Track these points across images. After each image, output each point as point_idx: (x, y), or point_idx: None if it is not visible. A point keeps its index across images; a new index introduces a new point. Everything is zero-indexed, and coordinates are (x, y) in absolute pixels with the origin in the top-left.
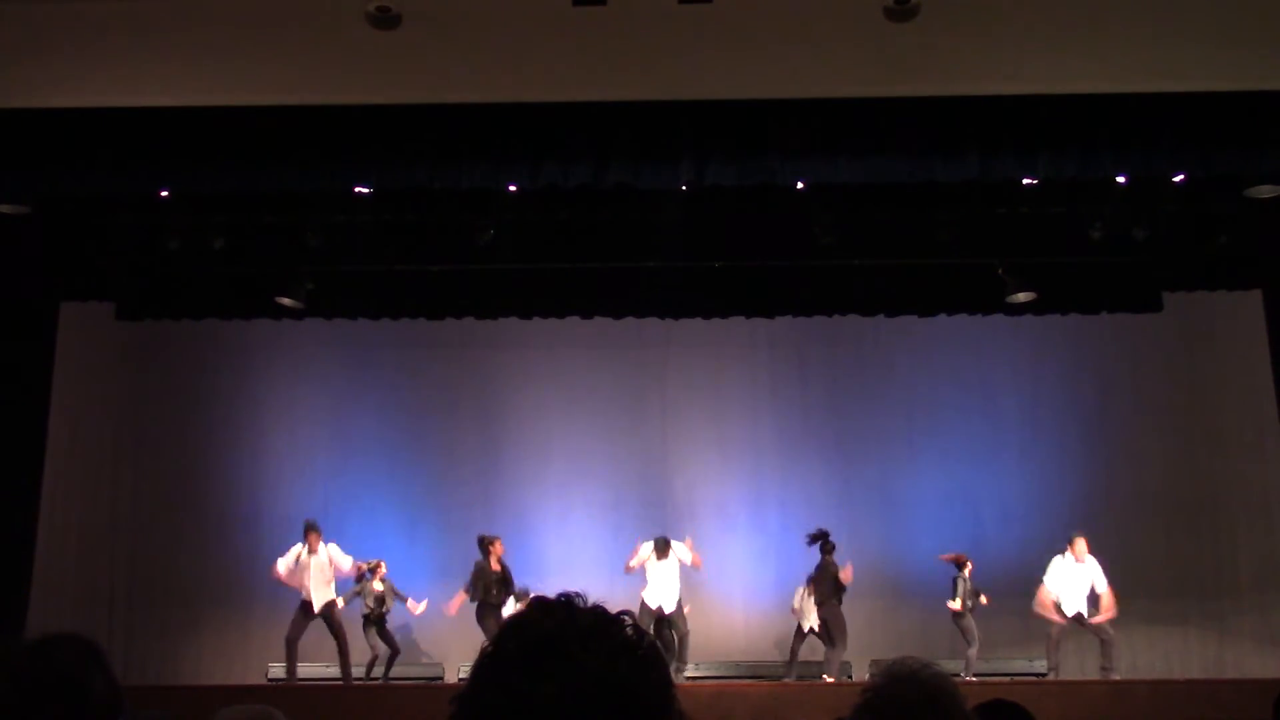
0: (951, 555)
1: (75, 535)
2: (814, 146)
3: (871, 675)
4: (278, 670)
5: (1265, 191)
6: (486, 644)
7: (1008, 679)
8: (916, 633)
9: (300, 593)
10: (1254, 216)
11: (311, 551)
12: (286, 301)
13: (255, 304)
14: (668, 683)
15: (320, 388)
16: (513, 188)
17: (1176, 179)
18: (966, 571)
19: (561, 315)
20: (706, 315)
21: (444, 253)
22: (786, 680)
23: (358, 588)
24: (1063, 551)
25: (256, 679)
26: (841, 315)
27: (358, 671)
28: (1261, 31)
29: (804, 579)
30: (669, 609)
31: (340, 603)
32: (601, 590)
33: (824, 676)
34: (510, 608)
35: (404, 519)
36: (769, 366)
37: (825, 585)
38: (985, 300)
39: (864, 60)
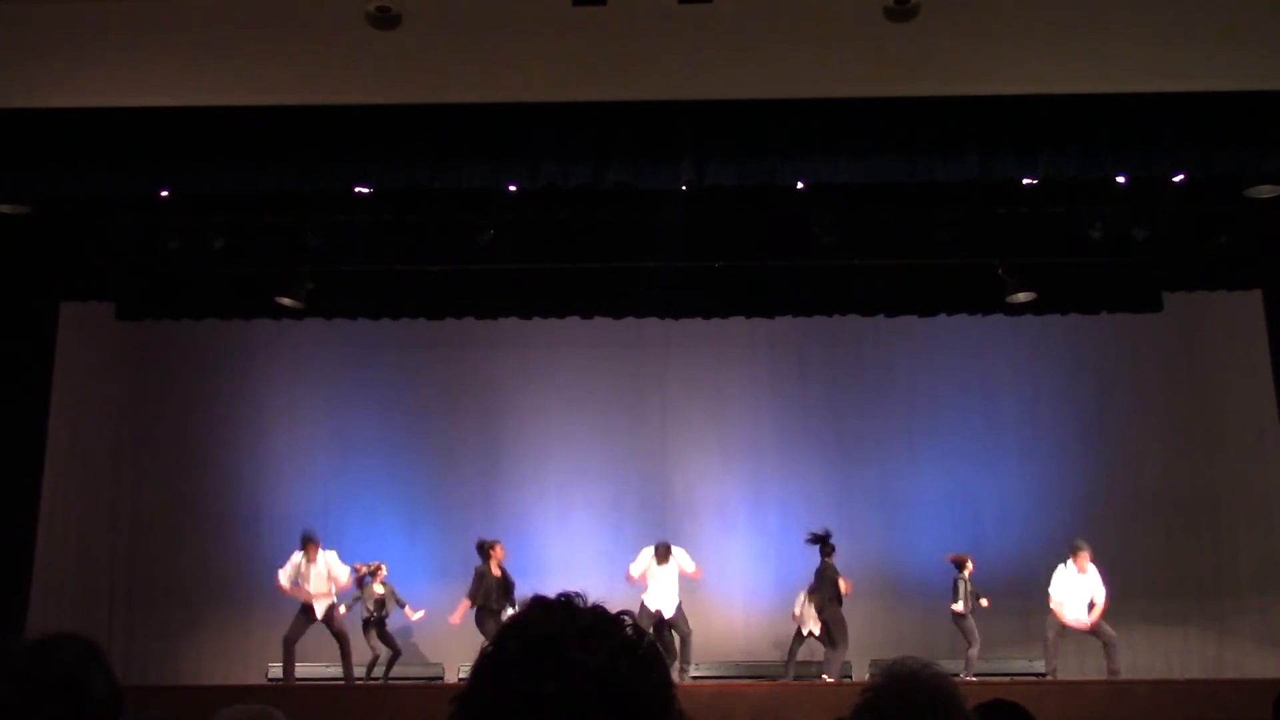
0: (954, 556)
1: (75, 535)
2: (814, 146)
3: (871, 675)
4: (278, 670)
5: (1265, 191)
6: (486, 644)
7: (1008, 679)
8: (916, 633)
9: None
10: (1254, 216)
11: (310, 561)
12: (286, 301)
13: (255, 304)
14: (668, 683)
15: (320, 388)
16: (513, 188)
17: (1176, 179)
18: (967, 572)
19: (561, 315)
20: (706, 315)
21: (444, 253)
22: (785, 680)
23: (358, 592)
24: (1065, 561)
25: (256, 679)
26: (841, 315)
27: (358, 672)
28: (1261, 31)
29: (803, 586)
30: (669, 613)
31: (342, 609)
32: (601, 590)
33: (824, 676)
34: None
35: (404, 519)
36: (769, 366)
37: (825, 590)
38: (985, 300)
39: (864, 60)
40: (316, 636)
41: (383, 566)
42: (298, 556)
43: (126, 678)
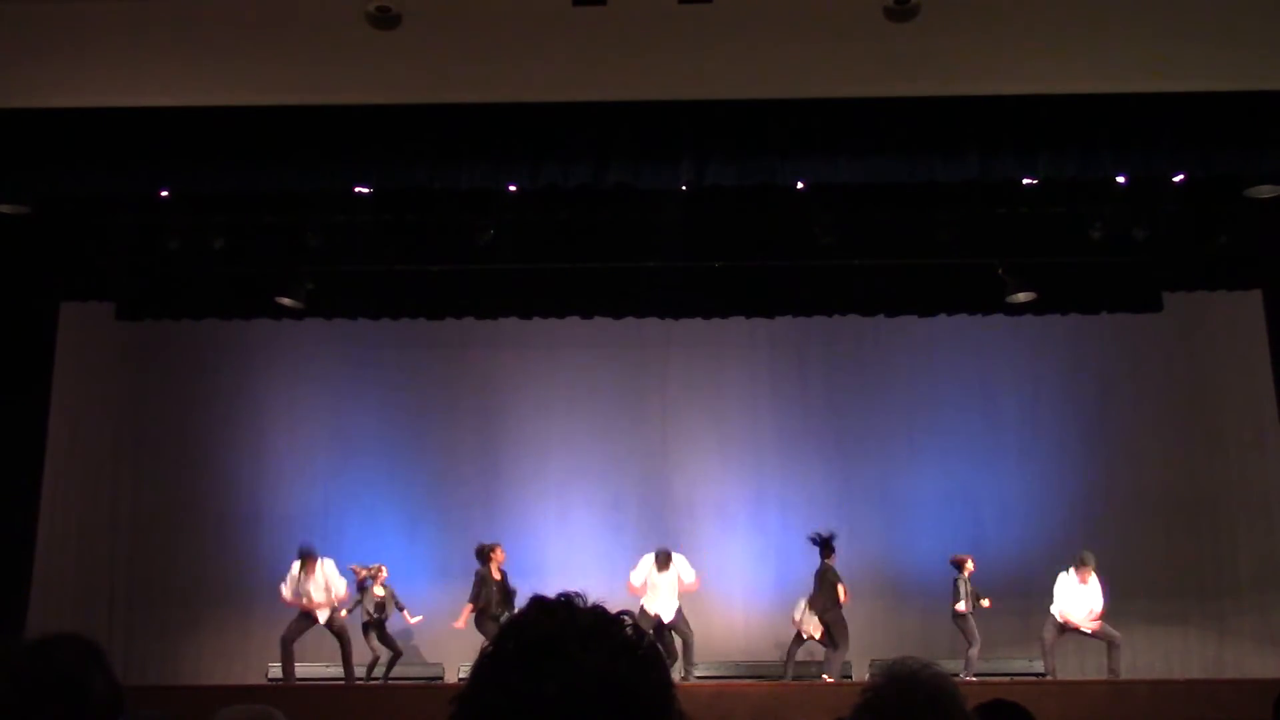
0: (954, 557)
1: (75, 535)
2: (814, 146)
3: (871, 675)
4: (278, 670)
5: (1265, 191)
6: (486, 644)
7: (1008, 679)
8: (916, 633)
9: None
10: (1254, 216)
11: (309, 574)
12: (286, 301)
13: (255, 304)
14: (668, 683)
15: (320, 388)
16: (513, 188)
17: (1176, 179)
18: (967, 572)
19: (561, 315)
20: (706, 315)
21: (444, 253)
22: (785, 680)
23: (359, 596)
24: (1068, 569)
25: (256, 679)
26: (841, 315)
27: (359, 672)
28: (1261, 31)
29: (803, 589)
30: (668, 618)
31: (343, 612)
32: (601, 590)
33: (824, 676)
34: None
35: (404, 519)
36: (769, 366)
37: (825, 592)
38: (985, 300)
39: (864, 60)
40: (316, 636)
41: (383, 569)
42: (296, 569)
43: (126, 678)
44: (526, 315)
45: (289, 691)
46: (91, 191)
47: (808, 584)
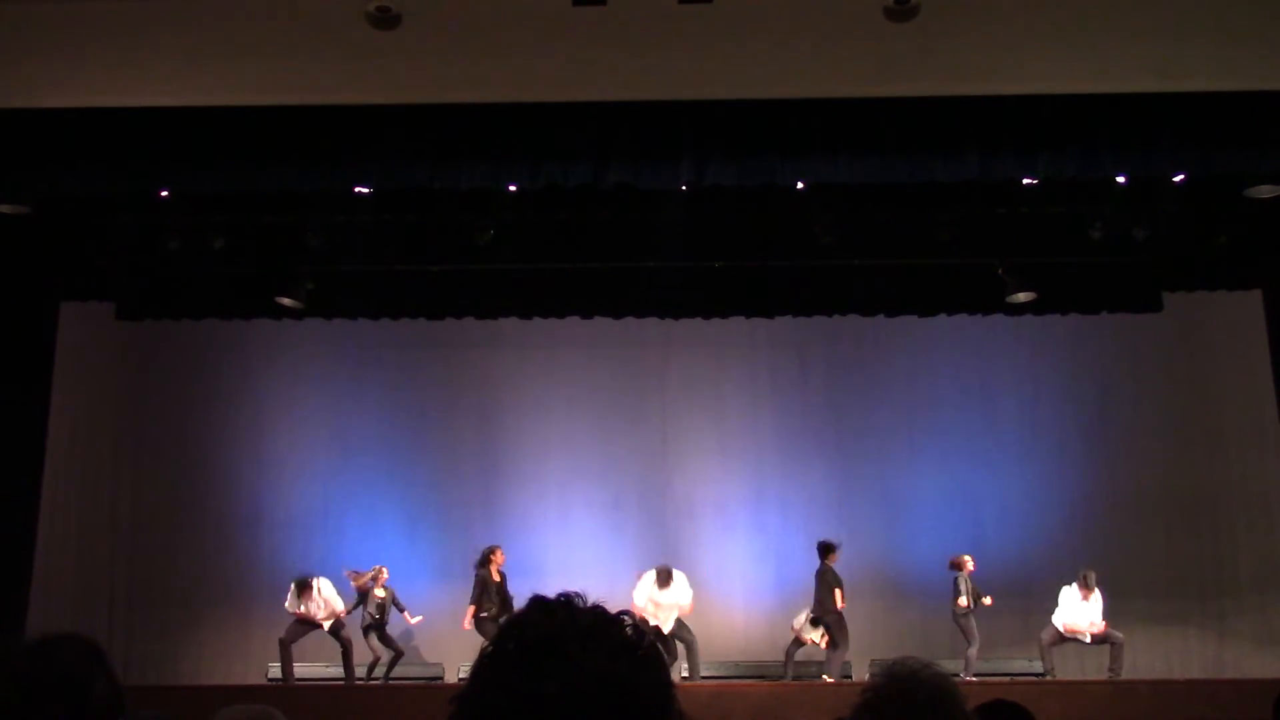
0: (952, 559)
1: (75, 535)
2: (814, 146)
3: (871, 675)
4: (278, 670)
5: (1265, 191)
6: (486, 644)
7: (1008, 679)
8: (916, 633)
9: None
10: (1254, 216)
11: (308, 599)
12: (286, 301)
13: (255, 304)
14: (667, 683)
15: (320, 388)
16: (513, 188)
17: (1176, 179)
18: (967, 571)
19: (561, 315)
20: (706, 315)
21: (444, 253)
22: (785, 680)
23: (359, 598)
24: (1071, 584)
25: (256, 679)
26: (841, 315)
27: (359, 673)
28: (1261, 31)
29: (804, 597)
30: (668, 629)
31: (344, 615)
32: (601, 590)
33: (824, 676)
34: None
35: (404, 519)
36: (769, 366)
37: (823, 594)
38: (985, 300)
39: (864, 60)
40: (317, 636)
41: (383, 570)
42: (292, 596)
43: (126, 678)
44: (526, 315)
45: (289, 691)
46: (91, 191)
47: (808, 585)
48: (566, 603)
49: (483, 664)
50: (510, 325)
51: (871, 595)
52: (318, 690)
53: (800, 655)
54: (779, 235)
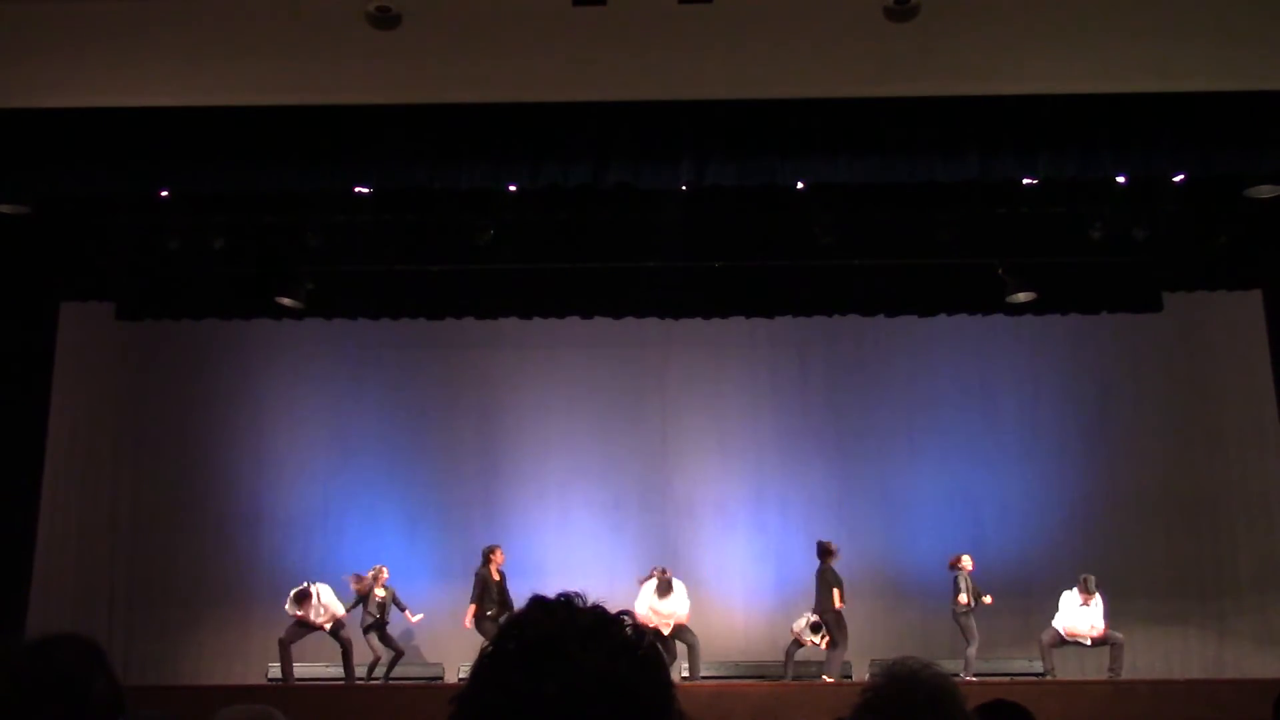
0: (951, 560)
1: (75, 535)
2: (814, 146)
3: (871, 675)
4: (278, 670)
5: (1265, 191)
6: (486, 644)
7: (1008, 679)
8: (916, 633)
9: None
10: (1254, 216)
11: (308, 606)
12: (286, 301)
13: (255, 304)
14: (668, 683)
15: (320, 388)
16: (513, 188)
17: (1176, 179)
18: (966, 569)
19: (561, 315)
20: (706, 315)
21: (444, 253)
22: (785, 680)
23: (360, 598)
24: (1071, 588)
25: (256, 679)
26: (841, 315)
27: (359, 672)
28: (1261, 31)
29: (805, 599)
30: (667, 632)
31: (344, 617)
32: (601, 590)
33: (824, 676)
34: None
35: (404, 519)
36: (769, 366)
37: (821, 594)
38: (985, 300)
39: (864, 60)
40: (317, 636)
41: (384, 569)
42: (291, 604)
43: (126, 678)
44: (526, 315)
45: (289, 691)
46: (91, 191)
47: (808, 585)
48: (566, 603)
49: (483, 664)
50: (510, 325)
51: (871, 595)
52: (318, 690)
53: (800, 655)
54: (779, 235)
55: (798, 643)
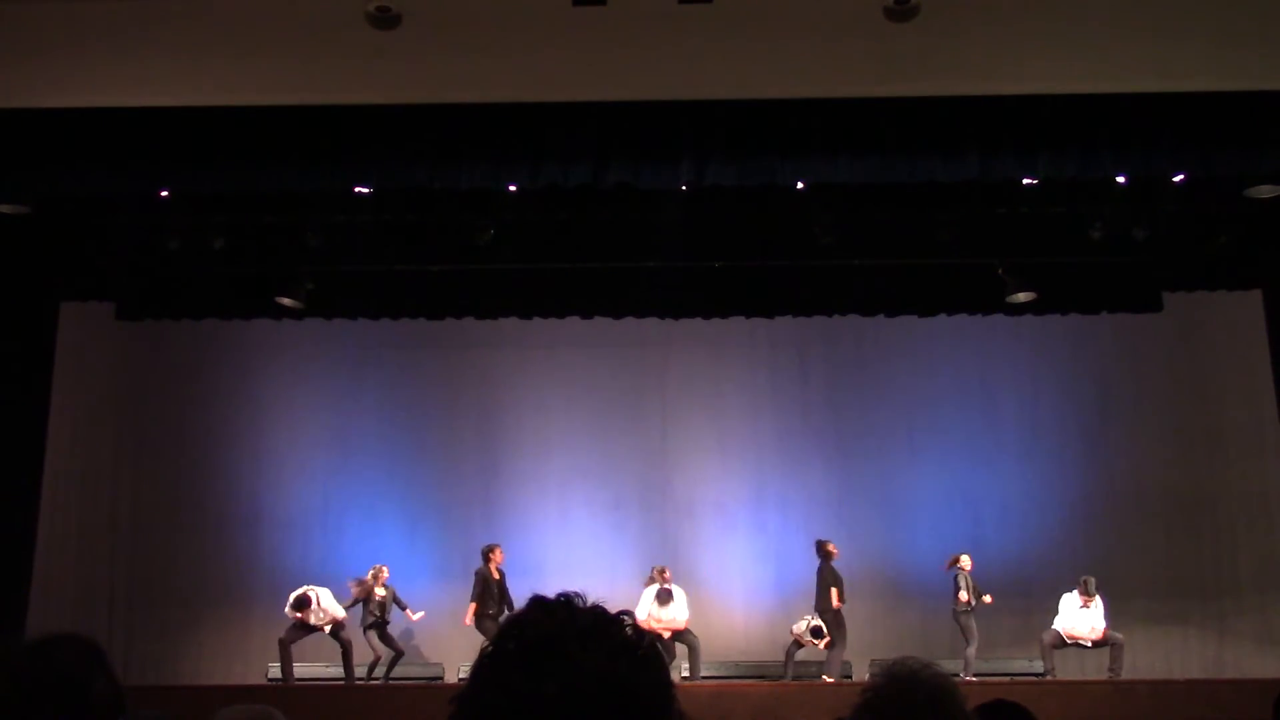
0: (950, 559)
1: (75, 535)
2: (814, 146)
3: (871, 675)
4: (278, 670)
5: (1265, 191)
6: (486, 644)
7: (1008, 679)
8: (916, 633)
9: None
10: (1254, 216)
11: (308, 612)
12: (286, 301)
13: (255, 304)
14: (667, 683)
15: (320, 388)
16: (513, 188)
17: (1176, 179)
18: (965, 568)
19: (561, 315)
20: (706, 315)
21: (444, 253)
22: (785, 680)
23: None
24: (1072, 590)
25: (256, 679)
26: (841, 315)
27: (359, 672)
28: (1261, 31)
29: (804, 599)
30: (666, 636)
31: (345, 619)
32: (601, 590)
33: (824, 676)
34: None
35: (404, 518)
36: (769, 366)
37: (820, 594)
38: (985, 300)
39: (864, 60)
40: (317, 636)
41: (384, 569)
42: (291, 609)
43: (126, 678)
44: (526, 315)
45: (289, 691)
46: (91, 191)
47: (808, 585)
48: (566, 603)
49: (483, 664)
50: (510, 325)
51: (871, 595)
52: (318, 690)
53: (800, 655)
54: (779, 235)
55: (798, 643)
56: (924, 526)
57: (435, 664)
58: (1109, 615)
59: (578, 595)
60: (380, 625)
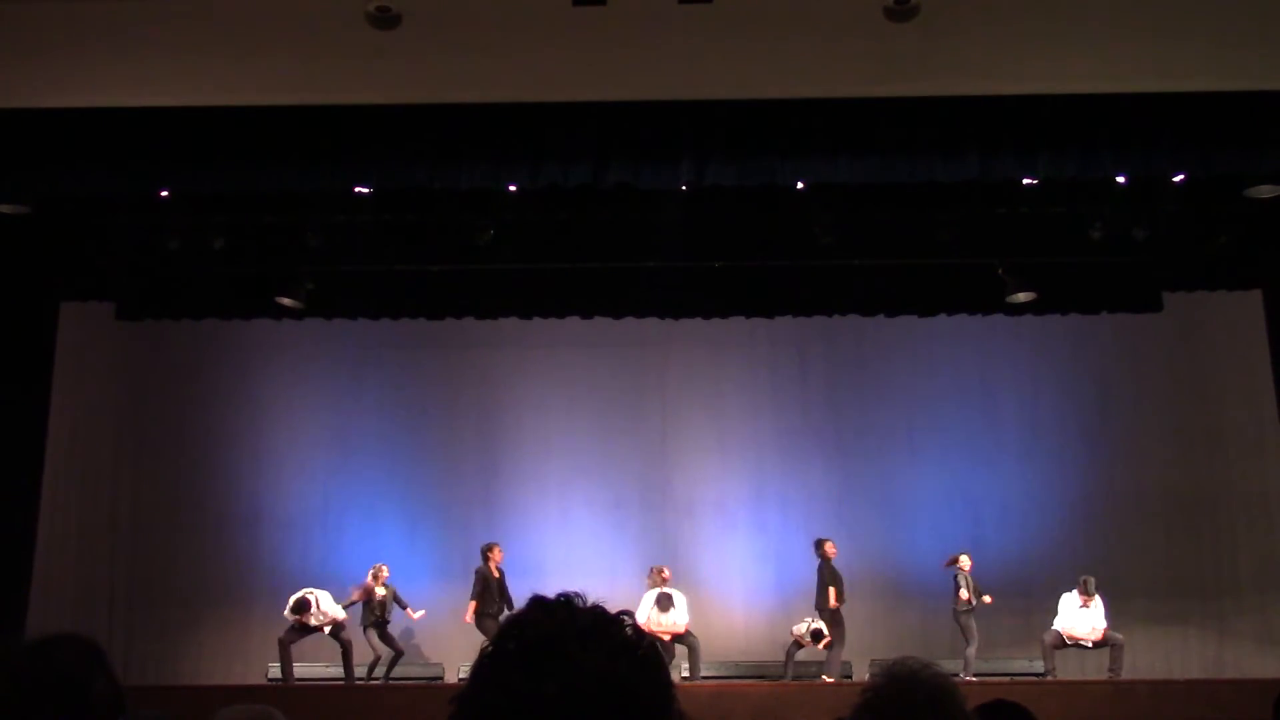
0: (950, 559)
1: (75, 535)
2: (814, 146)
3: (871, 675)
4: (278, 670)
5: (1265, 191)
6: (486, 644)
7: (1008, 679)
8: (916, 633)
9: None
10: (1254, 216)
11: (307, 616)
12: (286, 301)
13: (255, 304)
14: (667, 683)
15: (320, 388)
16: (513, 188)
17: (1176, 179)
18: (965, 567)
19: (561, 315)
20: (706, 315)
21: (444, 253)
22: (785, 680)
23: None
24: (1071, 590)
25: (256, 679)
26: (841, 315)
27: (359, 672)
28: (1261, 31)
29: (805, 598)
30: (666, 638)
31: (345, 620)
32: (601, 590)
33: (824, 676)
34: None
35: (404, 518)
36: (769, 366)
37: (819, 593)
38: (985, 300)
39: (864, 60)
40: (317, 636)
41: (384, 568)
42: (291, 613)
43: (126, 678)
44: (526, 315)
45: (289, 691)
46: (91, 191)
47: (808, 585)
48: (566, 603)
49: (483, 664)
50: (510, 325)
51: (871, 595)
52: (318, 690)
53: (800, 655)
54: (779, 235)
55: (798, 644)
56: (924, 526)
57: (435, 664)
58: (1109, 615)
59: (578, 595)
60: (380, 625)
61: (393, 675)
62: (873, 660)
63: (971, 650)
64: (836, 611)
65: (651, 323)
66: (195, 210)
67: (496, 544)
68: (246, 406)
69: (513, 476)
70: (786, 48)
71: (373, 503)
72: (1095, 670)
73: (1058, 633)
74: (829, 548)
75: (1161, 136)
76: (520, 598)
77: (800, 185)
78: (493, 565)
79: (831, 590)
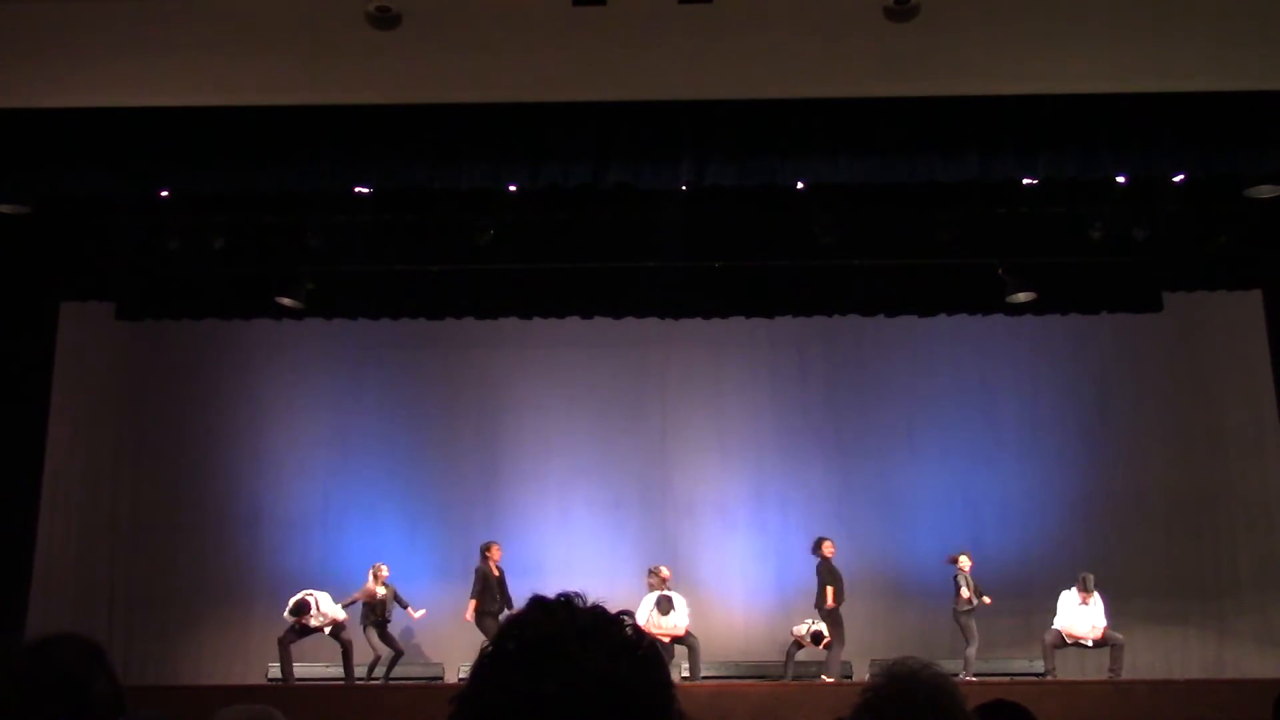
0: (950, 557)
1: (75, 535)
2: (814, 146)
3: (871, 675)
4: (278, 670)
5: (1265, 191)
6: (486, 644)
7: (1008, 679)
8: (916, 633)
9: None
10: (1254, 216)
11: (307, 618)
12: (286, 301)
13: (255, 304)
14: (667, 683)
15: (320, 388)
16: (513, 188)
17: (1176, 179)
18: (965, 567)
19: (561, 315)
20: (706, 315)
21: (444, 253)
22: (785, 680)
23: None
24: (1070, 588)
25: (256, 679)
26: (841, 315)
27: (359, 672)
28: (1261, 31)
29: (805, 598)
30: (666, 640)
31: (345, 620)
32: (601, 590)
33: (824, 676)
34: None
35: (404, 518)
36: (769, 366)
37: (818, 593)
38: (985, 300)
39: (864, 60)
40: (317, 636)
41: (383, 567)
42: (291, 615)
43: (126, 678)
44: (526, 315)
45: (289, 691)
46: (91, 191)
47: (808, 585)
48: (566, 603)
49: (483, 664)
50: (510, 325)
51: (871, 595)
52: (318, 690)
53: (800, 655)
54: (779, 235)
55: (798, 644)
56: (924, 526)
57: (435, 664)
58: (1109, 615)
59: (578, 595)
60: (380, 624)
61: (393, 675)
62: (873, 660)
63: (971, 650)
64: (835, 611)
65: (651, 323)
66: (195, 210)
67: (495, 542)
68: (246, 406)
69: (513, 476)
70: (786, 47)
71: (373, 503)
72: (1095, 670)
73: (1058, 632)
74: (827, 547)
75: (1161, 136)
76: (520, 597)
77: (800, 185)
78: (492, 564)
79: (829, 590)
